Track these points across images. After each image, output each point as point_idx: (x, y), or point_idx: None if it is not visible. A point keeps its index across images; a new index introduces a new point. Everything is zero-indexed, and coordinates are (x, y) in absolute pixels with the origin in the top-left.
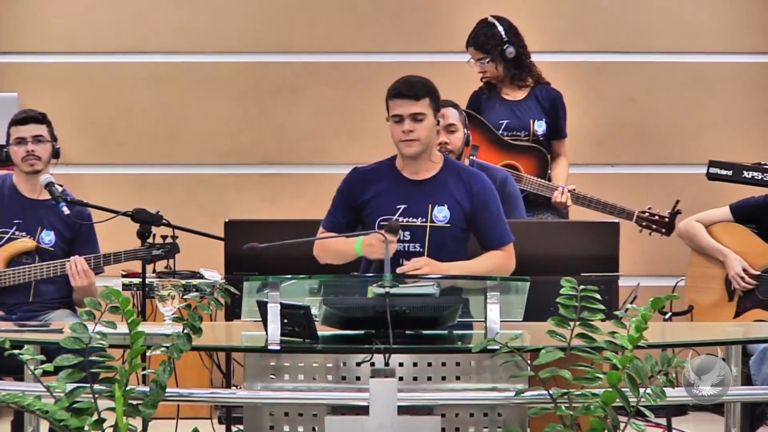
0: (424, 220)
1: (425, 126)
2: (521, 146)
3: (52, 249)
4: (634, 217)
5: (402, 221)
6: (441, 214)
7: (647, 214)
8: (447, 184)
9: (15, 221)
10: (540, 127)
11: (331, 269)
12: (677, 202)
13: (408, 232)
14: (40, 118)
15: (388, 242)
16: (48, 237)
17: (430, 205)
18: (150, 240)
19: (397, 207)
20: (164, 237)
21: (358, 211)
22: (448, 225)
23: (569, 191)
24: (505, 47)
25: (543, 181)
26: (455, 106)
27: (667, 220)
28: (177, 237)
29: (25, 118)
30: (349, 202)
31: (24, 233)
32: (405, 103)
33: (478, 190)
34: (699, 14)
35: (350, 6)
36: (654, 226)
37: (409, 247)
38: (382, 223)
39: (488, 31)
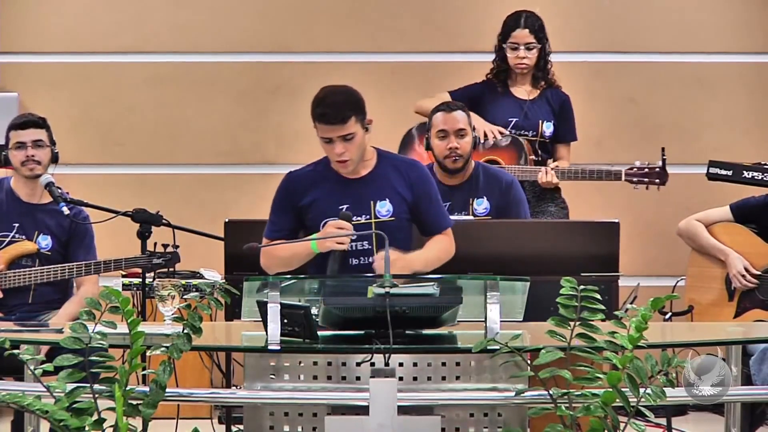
0: (368, 217)
1: (356, 144)
2: (496, 140)
3: (49, 253)
4: (623, 176)
5: None
6: (384, 208)
7: (635, 169)
8: (386, 178)
9: (14, 224)
10: (548, 128)
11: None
12: (663, 149)
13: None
14: (40, 123)
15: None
16: (45, 241)
17: (372, 202)
18: (150, 243)
19: (340, 207)
20: (165, 246)
21: (300, 214)
22: (393, 218)
23: (552, 169)
24: (546, 42)
25: (525, 166)
26: (463, 108)
27: (658, 169)
28: (178, 246)
29: (25, 122)
30: (290, 206)
31: (22, 236)
32: (333, 128)
33: (416, 178)
34: (699, 14)
35: (350, 6)
36: (647, 179)
37: (357, 245)
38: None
39: (539, 20)
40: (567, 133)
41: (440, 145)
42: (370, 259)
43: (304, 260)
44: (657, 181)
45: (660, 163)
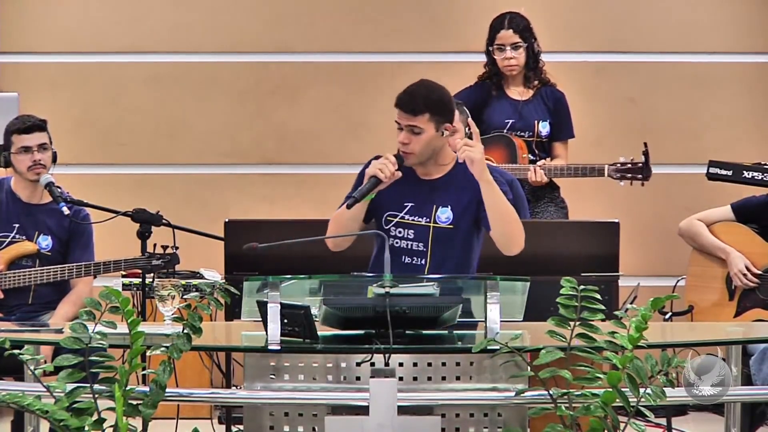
0: (428, 220)
1: (422, 139)
2: (486, 138)
3: (49, 254)
4: (606, 171)
5: (408, 220)
6: (444, 215)
7: (618, 165)
8: (454, 186)
9: (14, 225)
10: (544, 128)
11: (333, 268)
12: (645, 144)
13: (412, 231)
14: (43, 126)
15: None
16: (45, 242)
17: (434, 206)
18: (150, 243)
19: (405, 204)
20: (165, 247)
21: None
22: (451, 227)
23: (540, 167)
24: (534, 41)
25: (514, 165)
26: (457, 105)
27: (640, 165)
28: (178, 248)
29: (30, 126)
30: None
31: (23, 237)
32: (403, 116)
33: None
34: (699, 14)
35: (350, 6)
36: (629, 175)
37: (412, 245)
38: (388, 218)
39: (523, 20)
40: (563, 131)
41: None
42: (423, 261)
43: (355, 212)
44: (640, 176)
45: (643, 159)
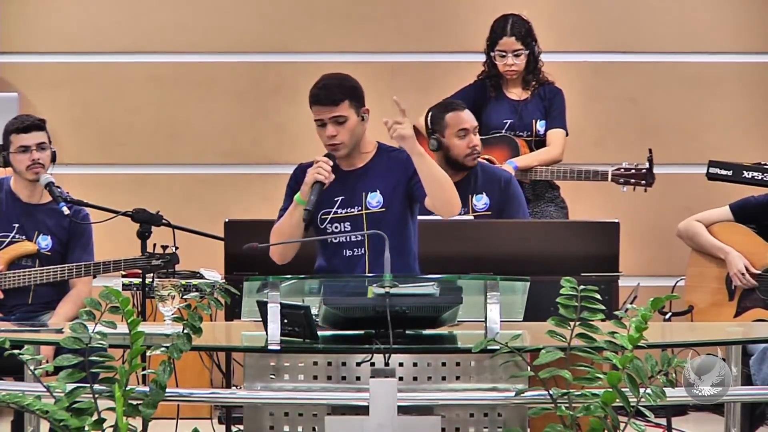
0: (360, 208)
1: (348, 128)
2: (490, 138)
3: (49, 254)
4: (609, 176)
5: (341, 213)
6: (374, 199)
7: (622, 170)
8: (380, 169)
9: (13, 225)
10: (542, 127)
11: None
12: (650, 150)
13: (348, 223)
14: (41, 125)
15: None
16: (45, 242)
17: (363, 193)
18: (150, 243)
19: (336, 199)
20: (165, 246)
21: None
22: (384, 209)
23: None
24: (535, 45)
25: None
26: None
27: (644, 170)
28: (178, 248)
29: (28, 126)
30: (294, 194)
31: (22, 237)
32: (324, 109)
33: (404, 158)
34: (699, 14)
35: (350, 6)
36: (633, 180)
37: (350, 237)
38: (323, 216)
39: (525, 25)
40: (554, 120)
41: (461, 144)
42: (362, 251)
43: (297, 221)
44: (643, 182)
45: (647, 165)
